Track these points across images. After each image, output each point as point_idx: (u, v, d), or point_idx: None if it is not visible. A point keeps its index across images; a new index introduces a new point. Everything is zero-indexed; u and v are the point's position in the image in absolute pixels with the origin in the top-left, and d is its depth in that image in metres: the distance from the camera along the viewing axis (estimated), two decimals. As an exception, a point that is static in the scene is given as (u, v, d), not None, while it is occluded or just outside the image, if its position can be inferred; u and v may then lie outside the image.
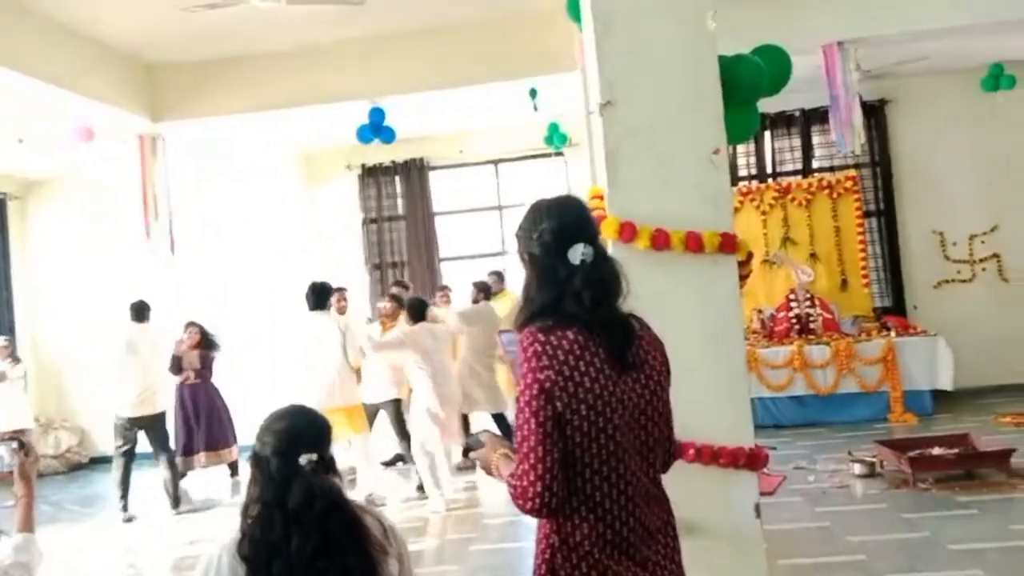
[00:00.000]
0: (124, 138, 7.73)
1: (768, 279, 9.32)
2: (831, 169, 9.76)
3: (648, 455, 1.92)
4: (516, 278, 5.13)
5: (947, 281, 9.57)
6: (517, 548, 5.53)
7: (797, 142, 9.93)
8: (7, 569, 2.38)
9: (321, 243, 10.30)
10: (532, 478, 1.81)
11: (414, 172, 10.39)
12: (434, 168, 10.47)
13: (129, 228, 8.45)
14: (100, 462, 9.69)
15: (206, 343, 8.18)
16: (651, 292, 2.94)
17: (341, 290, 7.47)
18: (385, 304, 7.70)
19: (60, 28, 6.51)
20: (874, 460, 6.53)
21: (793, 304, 9.02)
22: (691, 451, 2.86)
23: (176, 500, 7.43)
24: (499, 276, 8.72)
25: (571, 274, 1.87)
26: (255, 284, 9.91)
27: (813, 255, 9.33)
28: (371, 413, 7.21)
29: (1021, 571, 4.48)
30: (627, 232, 2.91)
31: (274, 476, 1.88)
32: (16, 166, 9.93)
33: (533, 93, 7.63)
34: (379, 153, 9.75)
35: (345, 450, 7.12)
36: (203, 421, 8.05)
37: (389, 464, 8.25)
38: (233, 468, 8.28)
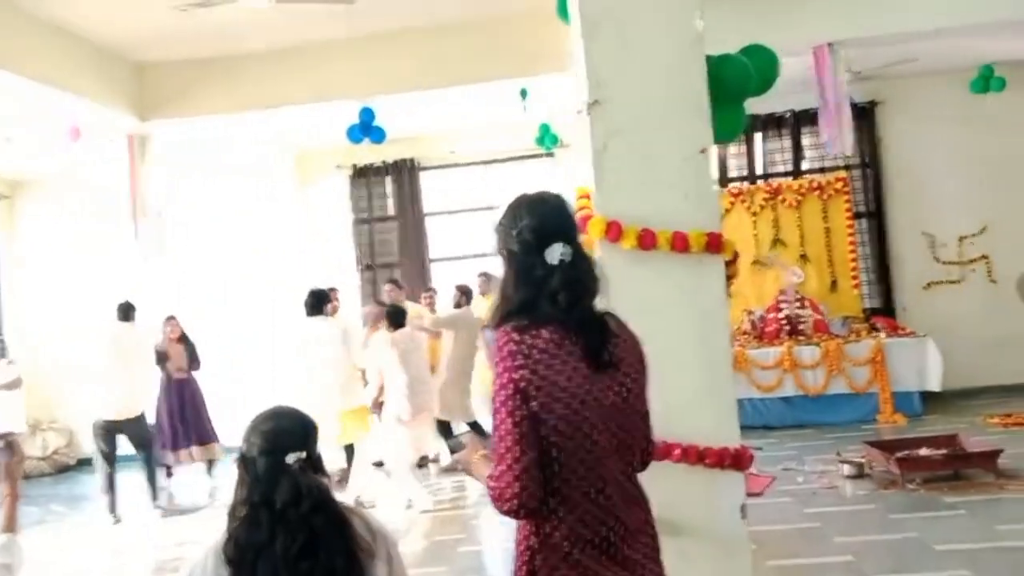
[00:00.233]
0: (112, 137, 7.68)
1: (758, 280, 9.33)
2: (821, 170, 9.77)
3: (625, 454, 1.91)
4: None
5: (936, 282, 9.60)
6: (504, 549, 5.52)
7: (788, 143, 9.95)
8: None
9: (312, 243, 10.27)
10: (509, 479, 1.79)
11: (405, 172, 10.37)
12: (425, 168, 10.46)
13: (118, 228, 8.40)
14: (88, 463, 9.61)
15: (186, 337, 8.19)
16: (637, 292, 2.96)
17: (332, 290, 7.48)
18: (370, 308, 7.69)
19: (49, 26, 6.48)
20: (863, 461, 6.54)
21: (783, 305, 9.04)
22: (677, 451, 2.86)
23: (156, 492, 7.39)
24: (488, 277, 8.70)
25: (548, 274, 1.87)
26: (244, 285, 9.88)
27: (803, 256, 9.35)
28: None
29: (1008, 572, 4.49)
30: (614, 232, 2.91)
31: (261, 476, 1.87)
32: (4, 166, 9.86)
33: (523, 93, 7.63)
34: (370, 153, 9.73)
35: (331, 451, 7.15)
36: (191, 415, 8.05)
37: (379, 464, 8.24)
38: (210, 468, 8.27)
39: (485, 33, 7.05)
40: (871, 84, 9.28)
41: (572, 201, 3.35)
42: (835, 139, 6.65)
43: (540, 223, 1.90)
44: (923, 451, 6.30)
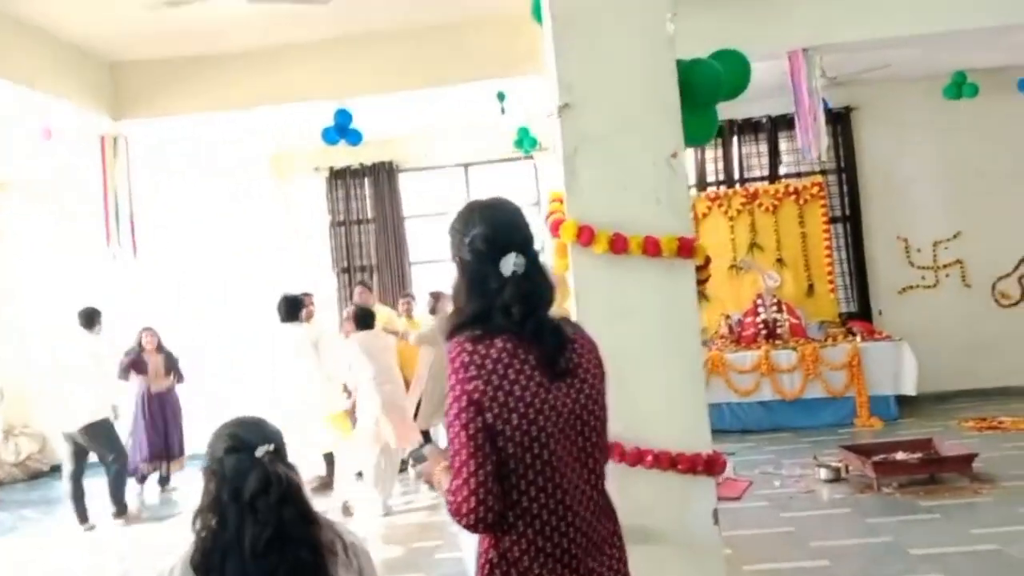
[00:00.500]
0: (85, 138, 7.58)
1: (735, 284, 9.36)
2: (798, 175, 9.82)
3: (588, 461, 1.87)
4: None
5: (911, 287, 9.67)
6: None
7: (764, 148, 9.99)
8: None
9: (288, 246, 10.18)
10: (466, 493, 1.75)
11: (383, 175, 10.31)
12: (403, 171, 10.40)
13: (91, 231, 8.28)
14: (60, 469, 9.50)
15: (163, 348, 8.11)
16: (609, 296, 2.95)
17: (306, 295, 7.40)
18: (349, 311, 7.61)
19: (19, 24, 6.36)
20: (839, 465, 6.57)
21: (760, 309, 9.07)
22: (649, 457, 2.84)
23: (123, 507, 7.25)
24: (437, 296, 8.58)
25: (502, 285, 1.83)
26: (220, 287, 9.78)
27: (780, 260, 9.38)
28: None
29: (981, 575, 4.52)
30: (585, 236, 2.89)
31: (229, 474, 1.87)
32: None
33: (501, 96, 7.61)
34: (347, 155, 9.66)
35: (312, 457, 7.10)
36: (170, 429, 8.00)
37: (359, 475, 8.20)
38: (166, 480, 8.20)
39: (462, 35, 7.02)
40: (847, 90, 9.34)
41: (545, 205, 3.34)
42: (810, 144, 6.68)
43: (493, 232, 1.86)
44: (899, 455, 6.33)
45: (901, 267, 9.69)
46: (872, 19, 6.46)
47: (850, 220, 9.84)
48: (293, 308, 6.97)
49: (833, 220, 9.66)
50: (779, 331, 8.94)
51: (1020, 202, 9.32)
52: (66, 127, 7.43)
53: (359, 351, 6.67)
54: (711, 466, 2.90)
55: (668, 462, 2.86)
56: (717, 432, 7.82)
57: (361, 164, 10.22)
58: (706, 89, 2.97)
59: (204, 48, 7.23)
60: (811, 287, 9.40)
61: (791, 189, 9.49)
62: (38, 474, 10.00)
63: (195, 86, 7.41)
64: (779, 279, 9.16)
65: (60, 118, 7.23)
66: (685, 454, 2.88)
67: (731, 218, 9.48)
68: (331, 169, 10.29)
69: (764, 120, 9.85)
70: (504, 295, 1.82)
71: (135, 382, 8.06)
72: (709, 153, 9.98)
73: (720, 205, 9.52)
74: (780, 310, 9.02)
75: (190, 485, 8.23)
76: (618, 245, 2.86)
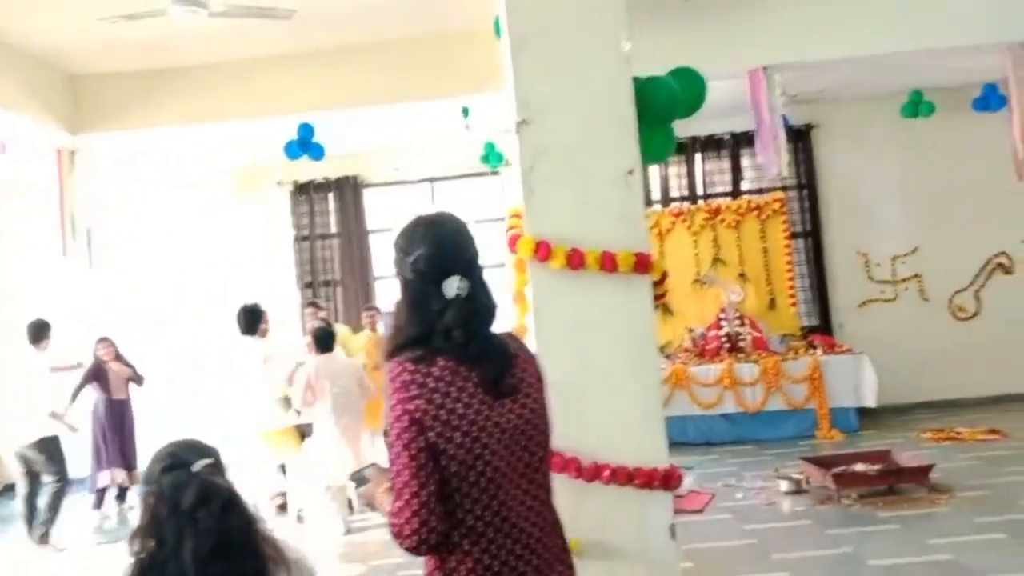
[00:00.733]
0: (40, 151, 7.45)
1: (699, 298, 9.44)
2: (760, 191, 9.96)
3: (534, 477, 1.86)
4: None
5: (871, 300, 9.83)
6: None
7: (727, 164, 10.12)
8: None
9: (252, 260, 10.07)
10: (408, 514, 1.73)
11: (348, 189, 10.26)
12: (368, 186, 10.36)
13: (50, 241, 8.12)
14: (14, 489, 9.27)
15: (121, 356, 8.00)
16: (566, 311, 2.96)
17: (262, 312, 7.28)
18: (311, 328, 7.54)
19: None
20: (800, 477, 6.63)
21: (723, 323, 9.15)
22: (606, 473, 2.84)
23: (47, 535, 6.87)
24: (374, 312, 8.56)
25: (444, 307, 1.80)
26: (185, 300, 9.65)
27: (742, 275, 9.48)
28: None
29: (937, 585, 4.58)
30: (543, 251, 2.90)
31: (166, 491, 1.81)
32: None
33: (465, 112, 7.62)
34: (312, 169, 9.59)
35: (276, 474, 7.02)
36: (124, 439, 7.87)
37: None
38: (123, 494, 8.06)
39: (426, 50, 7.02)
40: (807, 107, 9.50)
41: (506, 219, 3.35)
42: (771, 161, 6.77)
43: (436, 253, 1.83)
44: (858, 466, 6.40)
45: (861, 281, 9.84)
46: (831, 38, 6.58)
47: (811, 235, 10.00)
48: (252, 320, 6.88)
49: (794, 235, 9.79)
50: (742, 344, 9.02)
51: (976, 218, 9.52)
52: (21, 140, 7.29)
53: (317, 375, 6.58)
54: (668, 480, 2.91)
55: (625, 477, 2.86)
56: (681, 445, 7.98)
57: (326, 178, 10.17)
58: (662, 107, 3.01)
59: (166, 62, 7.16)
60: (773, 301, 9.51)
61: (753, 205, 9.62)
62: (-4, 492, 9.75)
63: (156, 100, 7.33)
64: (742, 293, 9.26)
65: (15, 131, 7.09)
66: (642, 468, 2.89)
67: (695, 233, 9.57)
68: (295, 183, 10.22)
69: (727, 137, 9.98)
70: (445, 318, 1.80)
71: (94, 392, 7.92)
72: (673, 169, 10.08)
73: (684, 220, 9.61)
74: (743, 324, 9.11)
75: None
76: (575, 260, 2.87)
